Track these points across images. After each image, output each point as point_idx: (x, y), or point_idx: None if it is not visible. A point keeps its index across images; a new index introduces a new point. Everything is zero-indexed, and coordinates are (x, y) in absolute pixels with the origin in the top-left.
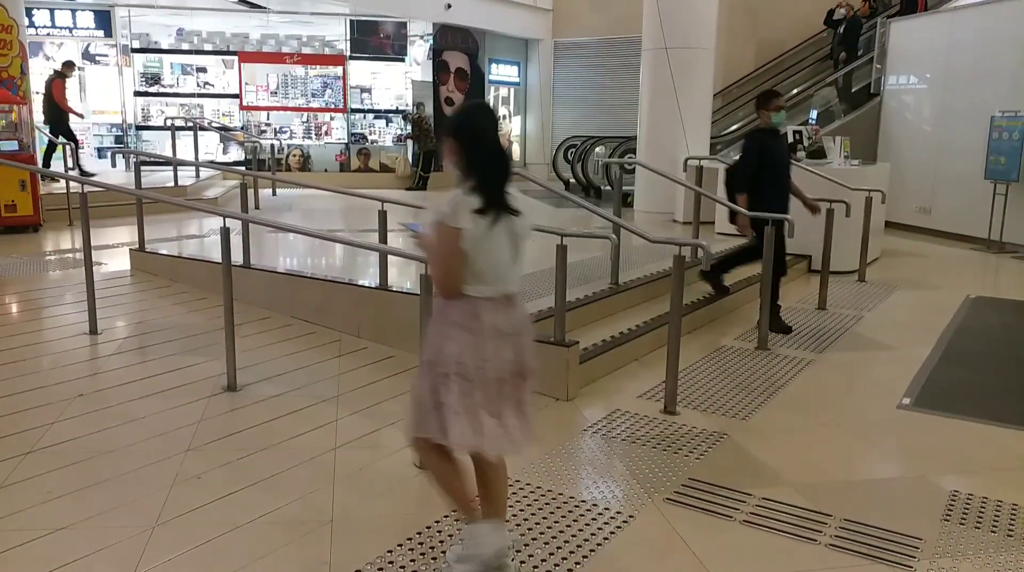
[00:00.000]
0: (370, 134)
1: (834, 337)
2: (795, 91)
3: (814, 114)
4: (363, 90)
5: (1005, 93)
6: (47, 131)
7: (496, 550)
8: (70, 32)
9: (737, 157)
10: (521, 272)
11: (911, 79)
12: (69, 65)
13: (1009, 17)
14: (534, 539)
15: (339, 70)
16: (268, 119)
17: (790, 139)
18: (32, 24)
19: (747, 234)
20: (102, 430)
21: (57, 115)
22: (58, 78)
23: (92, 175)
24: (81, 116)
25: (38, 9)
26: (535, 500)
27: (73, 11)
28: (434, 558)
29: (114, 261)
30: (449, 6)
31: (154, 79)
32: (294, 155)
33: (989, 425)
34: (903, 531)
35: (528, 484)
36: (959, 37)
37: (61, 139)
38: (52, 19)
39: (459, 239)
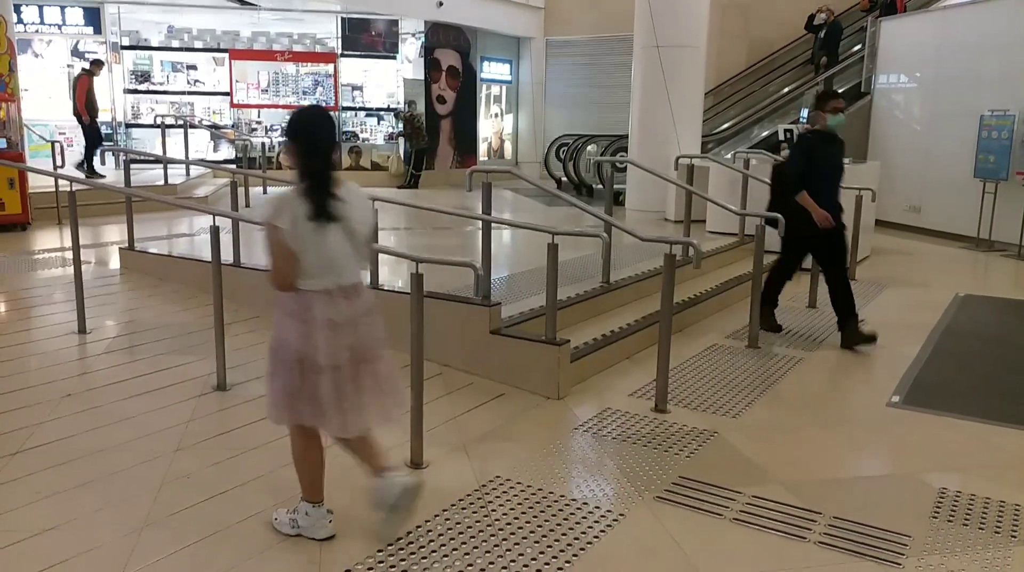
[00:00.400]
0: (361, 132)
1: (824, 335)
2: (786, 90)
3: (804, 113)
4: (354, 88)
5: (994, 92)
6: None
7: (399, 492)
8: (59, 29)
9: (784, 157)
10: (362, 263)
11: (901, 78)
12: (98, 63)
13: (999, 16)
14: (524, 538)
15: (330, 68)
16: (259, 117)
17: (780, 137)
18: (20, 21)
19: (828, 224)
20: (91, 430)
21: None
22: (85, 75)
23: (101, 177)
24: (84, 118)
25: (27, 5)
26: (526, 499)
27: (62, 7)
28: (424, 558)
29: (103, 260)
30: (441, 4)
31: (144, 76)
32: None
33: (978, 423)
34: (892, 528)
35: (519, 482)
36: (949, 36)
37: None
38: (41, 16)
39: (282, 237)
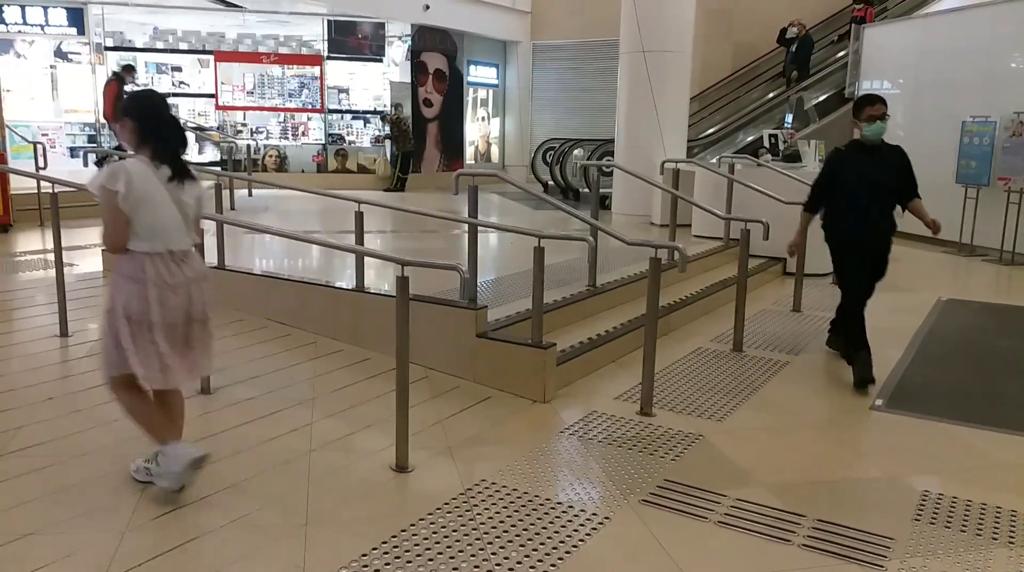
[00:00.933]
0: (348, 135)
1: (809, 339)
2: (771, 95)
3: (789, 118)
4: (341, 90)
5: (976, 98)
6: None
7: (186, 464)
8: (42, 30)
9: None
10: (191, 232)
11: (884, 84)
12: (129, 69)
13: (980, 23)
14: (509, 541)
15: (316, 70)
16: (244, 119)
17: (765, 143)
18: (3, 21)
19: (790, 253)
20: (72, 434)
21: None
22: (114, 80)
23: None
24: (114, 125)
25: (8, 6)
26: (511, 502)
27: (45, 8)
28: (409, 562)
29: (86, 262)
30: (427, 7)
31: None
32: (270, 156)
33: (960, 426)
34: (875, 531)
35: (504, 486)
36: (931, 43)
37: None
38: (23, 16)
39: (116, 200)
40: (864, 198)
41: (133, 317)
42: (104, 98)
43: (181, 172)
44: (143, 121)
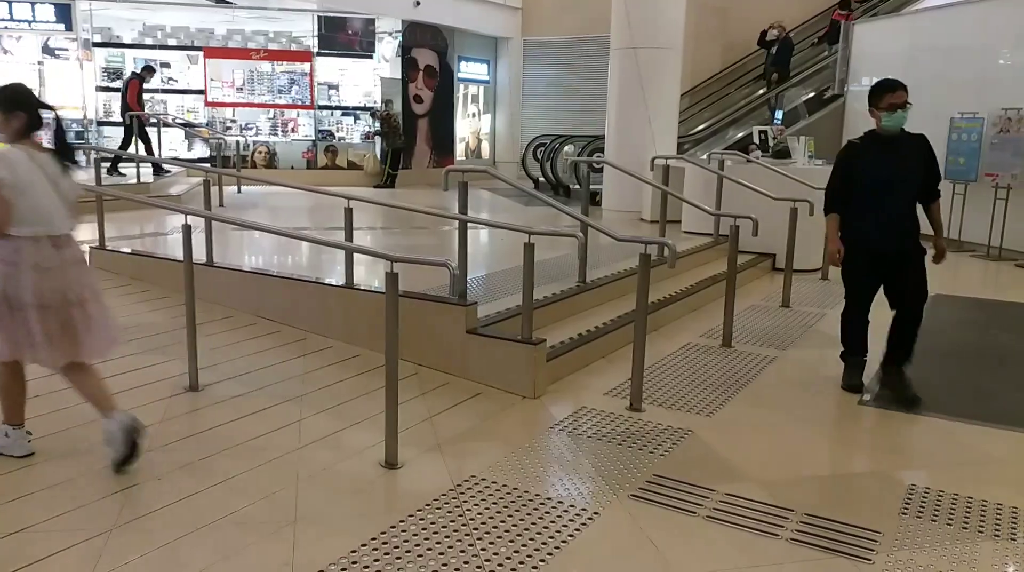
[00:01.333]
0: (337, 131)
1: (797, 334)
2: (760, 92)
3: (779, 115)
4: (331, 87)
5: (964, 95)
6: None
7: (23, 452)
8: (29, 25)
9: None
10: (71, 217)
11: (873, 80)
12: (149, 70)
13: (968, 20)
14: (499, 537)
15: (306, 66)
16: (233, 115)
17: (755, 140)
18: None
19: (832, 262)
20: (60, 432)
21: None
22: (135, 79)
23: (166, 172)
24: (146, 117)
25: None
26: (501, 498)
27: (32, 4)
28: (398, 558)
29: None
30: (418, 3)
31: (116, 74)
32: (260, 152)
33: (947, 420)
34: (863, 525)
35: (494, 482)
36: (920, 39)
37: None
38: (10, 11)
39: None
40: (879, 194)
41: (8, 298)
42: (128, 92)
43: (69, 158)
44: (33, 113)
